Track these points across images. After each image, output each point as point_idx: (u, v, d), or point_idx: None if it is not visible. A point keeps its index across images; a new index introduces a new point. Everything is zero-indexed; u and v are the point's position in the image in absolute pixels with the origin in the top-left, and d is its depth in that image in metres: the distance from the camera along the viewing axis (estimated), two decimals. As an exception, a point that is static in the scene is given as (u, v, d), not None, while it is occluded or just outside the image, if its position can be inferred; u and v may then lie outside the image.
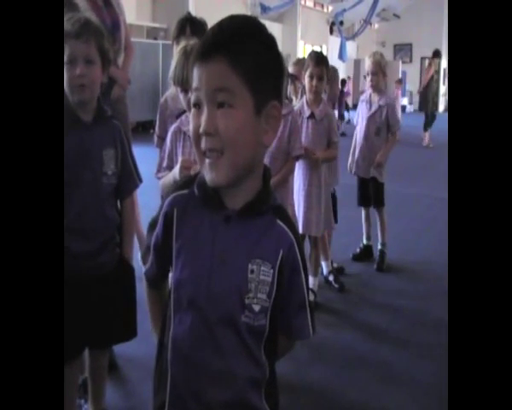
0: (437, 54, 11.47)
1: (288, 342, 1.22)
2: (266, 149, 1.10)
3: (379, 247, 4.18)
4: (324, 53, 3.97)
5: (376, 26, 22.16)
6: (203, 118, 1.00)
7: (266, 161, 2.72)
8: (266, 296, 1.07)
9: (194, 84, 1.02)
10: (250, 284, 1.06)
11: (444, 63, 21.61)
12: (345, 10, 17.01)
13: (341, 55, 16.34)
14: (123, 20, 3.33)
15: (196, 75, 1.01)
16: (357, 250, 4.35)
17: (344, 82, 13.83)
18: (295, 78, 3.74)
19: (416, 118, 13.58)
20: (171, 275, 1.14)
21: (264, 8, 14.94)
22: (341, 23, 17.39)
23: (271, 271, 1.07)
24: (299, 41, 17.72)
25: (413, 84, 20.46)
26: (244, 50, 0.99)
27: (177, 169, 2.01)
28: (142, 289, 1.25)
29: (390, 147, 4.10)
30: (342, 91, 12.95)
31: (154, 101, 10.15)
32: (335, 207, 3.76)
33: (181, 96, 2.16)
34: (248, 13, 13.60)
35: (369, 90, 4.17)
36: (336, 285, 3.69)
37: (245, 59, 0.99)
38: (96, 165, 1.85)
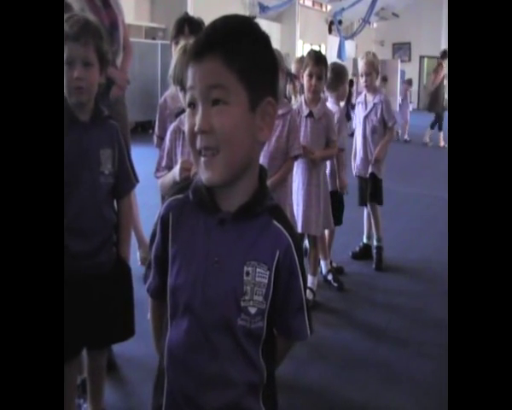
0: (446, 54, 11.51)
1: (287, 343, 1.22)
2: (262, 147, 1.09)
3: (375, 243, 4.18)
4: (323, 52, 3.98)
5: (375, 25, 22.14)
6: (198, 116, 1.00)
7: (265, 160, 2.76)
8: (263, 298, 1.06)
9: (189, 83, 1.02)
10: (246, 287, 1.05)
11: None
12: (343, 9, 17.02)
13: (340, 55, 16.33)
14: (121, 21, 3.33)
15: (190, 74, 1.01)
16: (357, 249, 4.36)
17: (352, 82, 13.75)
18: (294, 77, 3.75)
19: (416, 117, 13.58)
20: None
21: (263, 8, 14.93)
22: (340, 22, 17.39)
23: (267, 272, 1.06)
24: (297, 40, 17.70)
25: (413, 83, 20.43)
26: (238, 48, 0.99)
27: (176, 170, 2.01)
28: (140, 288, 1.25)
29: (387, 142, 4.11)
30: (350, 92, 12.86)
31: (153, 101, 10.14)
32: (342, 209, 3.76)
33: (180, 94, 2.16)
34: (247, 12, 13.59)
35: (363, 91, 4.20)
36: (335, 284, 3.69)
37: (239, 56, 0.99)
38: (93, 165, 1.86)
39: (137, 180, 2.05)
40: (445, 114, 11.26)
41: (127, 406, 2.38)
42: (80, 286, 1.81)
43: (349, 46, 18.66)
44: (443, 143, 11.30)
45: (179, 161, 2.05)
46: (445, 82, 11.18)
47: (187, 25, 2.96)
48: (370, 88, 4.09)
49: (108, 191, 1.92)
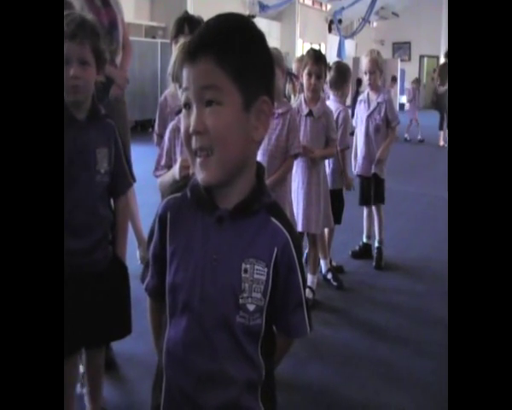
0: None
1: (286, 340, 1.22)
2: (258, 146, 1.09)
3: (376, 244, 4.19)
4: (323, 51, 3.98)
5: (375, 24, 22.15)
6: (192, 117, 1.00)
7: (265, 159, 2.76)
8: (261, 295, 1.06)
9: (184, 84, 1.02)
10: (244, 284, 1.05)
11: (442, 61, 21.63)
12: (343, 8, 17.03)
13: (340, 54, 16.33)
14: (121, 19, 3.33)
15: (185, 75, 1.02)
16: (357, 248, 4.36)
17: (360, 81, 13.69)
18: (293, 76, 3.75)
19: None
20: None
21: (263, 7, 14.93)
22: (340, 21, 17.40)
23: (265, 269, 1.06)
24: (297, 39, 17.70)
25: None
26: (230, 47, 0.99)
27: (176, 168, 2.01)
28: (139, 287, 1.24)
29: (390, 142, 4.12)
30: (358, 91, 12.79)
31: (153, 100, 10.14)
32: (342, 208, 3.77)
33: (179, 92, 2.16)
34: (247, 11, 13.59)
35: (366, 89, 4.18)
36: (335, 283, 3.69)
37: (231, 56, 0.99)
38: (89, 163, 1.86)
39: (134, 179, 2.05)
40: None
41: (127, 404, 2.38)
42: (75, 284, 1.81)
43: (349, 45, 18.68)
44: (442, 142, 11.33)
45: (178, 160, 2.05)
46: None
47: (187, 24, 2.96)
48: (374, 86, 4.08)
49: (104, 190, 1.92)
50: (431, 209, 5.91)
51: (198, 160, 1.02)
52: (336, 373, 2.69)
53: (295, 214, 3.14)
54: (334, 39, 18.16)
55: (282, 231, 1.08)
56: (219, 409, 1.08)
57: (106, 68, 2.80)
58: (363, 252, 4.32)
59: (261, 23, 14.46)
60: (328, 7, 18.80)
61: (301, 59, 3.83)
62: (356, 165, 4.20)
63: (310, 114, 3.30)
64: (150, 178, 2.37)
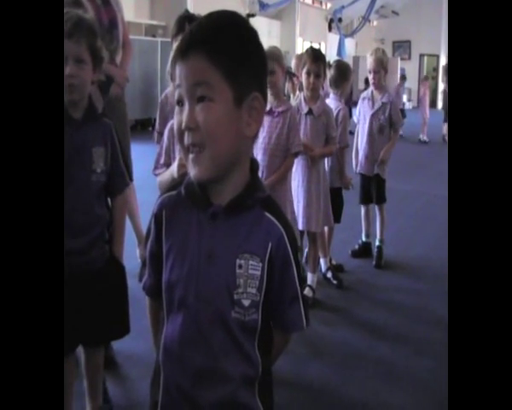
0: None
1: (283, 336, 1.21)
2: (251, 142, 1.10)
3: (377, 243, 4.19)
4: (323, 50, 3.98)
5: (375, 23, 22.14)
6: (184, 113, 1.01)
7: (265, 158, 2.76)
8: (256, 290, 1.07)
9: (176, 81, 1.03)
10: (239, 280, 1.05)
11: (443, 60, 21.62)
12: (343, 7, 17.01)
13: (340, 53, 16.31)
14: (121, 18, 3.33)
15: (177, 72, 1.02)
16: (356, 247, 4.36)
17: (368, 81, 13.63)
18: (293, 74, 3.75)
19: (416, 115, 13.57)
20: None
21: (263, 5, 14.91)
22: (340, 20, 17.38)
23: (260, 264, 1.06)
24: (297, 38, 17.70)
25: (412, 82, 20.43)
26: (221, 44, 1.00)
27: (174, 167, 2.01)
28: (138, 285, 1.24)
29: (393, 144, 4.12)
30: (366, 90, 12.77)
31: (153, 99, 10.14)
32: (341, 208, 3.77)
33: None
34: (246, 10, 13.58)
35: (370, 88, 4.17)
36: (335, 282, 3.69)
37: (223, 53, 1.00)
38: (85, 163, 1.86)
39: (131, 179, 2.05)
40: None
41: (127, 402, 2.38)
42: (71, 283, 1.81)
43: (349, 44, 18.67)
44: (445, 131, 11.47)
45: (177, 159, 2.05)
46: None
47: (187, 22, 2.95)
48: (378, 86, 4.07)
49: (100, 189, 1.92)
50: (431, 208, 5.91)
51: (190, 156, 1.03)
52: (336, 372, 2.69)
53: (295, 213, 3.14)
54: (334, 38, 18.16)
55: (277, 226, 1.09)
56: (216, 405, 1.09)
57: (105, 67, 2.79)
58: (363, 251, 4.32)
59: (261, 22, 14.46)
60: (329, 5, 18.80)
61: (300, 56, 3.83)
62: (357, 163, 4.20)
63: (309, 112, 3.30)
64: (150, 176, 2.37)
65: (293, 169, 3.08)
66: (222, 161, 1.03)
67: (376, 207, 4.21)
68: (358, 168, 4.19)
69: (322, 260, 3.76)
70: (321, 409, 2.43)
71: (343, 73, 3.91)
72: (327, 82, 3.93)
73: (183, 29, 2.90)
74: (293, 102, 3.51)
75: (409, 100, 21.18)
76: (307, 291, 3.35)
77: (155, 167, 2.24)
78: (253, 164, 1.12)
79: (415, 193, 6.72)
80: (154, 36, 12.18)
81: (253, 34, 1.06)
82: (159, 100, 2.86)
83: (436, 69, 22.00)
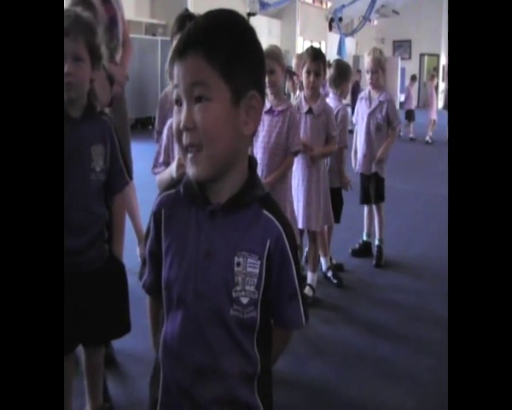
0: None
1: (283, 334, 1.21)
2: (249, 140, 1.10)
3: (376, 243, 4.20)
4: (323, 49, 3.98)
5: (375, 22, 22.13)
6: (182, 113, 1.02)
7: (265, 156, 2.76)
8: (254, 288, 1.07)
9: (174, 81, 1.03)
10: (237, 277, 1.06)
11: (443, 60, 21.62)
12: (344, 6, 16.98)
13: (340, 52, 16.30)
14: (121, 17, 3.34)
15: (175, 72, 1.03)
16: (357, 246, 4.36)
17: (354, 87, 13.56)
18: (293, 73, 3.75)
19: (416, 114, 13.57)
20: None
21: (263, 5, 14.91)
22: (340, 19, 17.36)
23: (258, 262, 1.07)
24: (298, 37, 17.70)
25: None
26: (218, 43, 1.00)
27: (173, 166, 2.00)
28: (139, 284, 1.24)
29: (391, 142, 4.13)
30: None
31: (153, 98, 10.14)
32: (340, 208, 3.77)
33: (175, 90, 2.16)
34: (247, 9, 13.58)
35: (368, 88, 4.18)
36: (335, 281, 3.69)
37: (219, 52, 1.00)
38: (84, 161, 1.86)
39: (131, 177, 2.04)
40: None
41: (127, 401, 2.38)
42: (70, 283, 1.81)
43: (349, 43, 18.66)
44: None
45: (176, 158, 2.04)
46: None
47: (188, 21, 2.95)
48: (376, 85, 4.08)
49: (99, 188, 1.92)
50: (430, 207, 5.91)
51: (188, 155, 1.03)
52: (336, 371, 2.69)
53: (295, 212, 3.14)
54: (334, 37, 18.15)
55: (275, 224, 1.09)
56: (215, 402, 1.09)
57: (105, 65, 2.77)
58: (363, 250, 4.32)
59: (261, 21, 14.47)
60: (329, 5, 18.79)
61: (301, 55, 3.83)
62: (356, 162, 4.20)
63: (310, 111, 3.30)
64: (150, 175, 2.37)
65: (294, 168, 3.08)
66: (220, 161, 1.04)
67: (374, 206, 4.21)
68: (357, 168, 4.20)
69: (322, 260, 3.76)
70: (321, 409, 2.43)
71: (343, 72, 3.91)
72: (327, 82, 3.94)
73: (183, 28, 2.89)
74: (293, 100, 3.51)
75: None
76: (307, 290, 3.35)
77: (154, 166, 2.24)
78: (251, 162, 1.12)
79: (415, 193, 6.72)
80: (154, 34, 12.18)
81: (250, 33, 1.06)
82: (159, 99, 2.85)
83: (436, 69, 22.00)
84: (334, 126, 3.36)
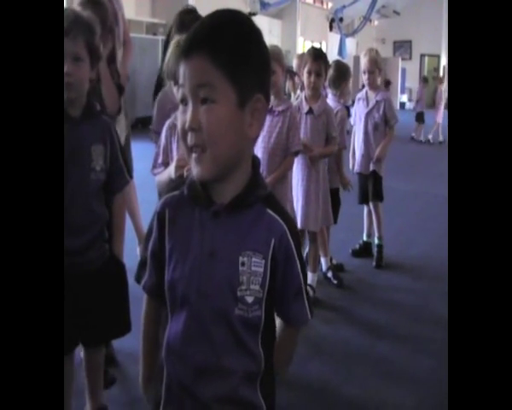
0: None
1: (290, 333, 1.21)
2: (254, 141, 1.10)
3: (376, 241, 4.19)
4: (324, 49, 3.98)
5: (376, 22, 22.13)
6: (188, 114, 1.02)
7: (265, 157, 2.76)
8: (259, 287, 1.07)
9: (180, 80, 1.03)
10: (242, 277, 1.06)
11: (444, 61, 21.61)
12: (344, 7, 16.98)
13: (341, 52, 16.30)
14: (121, 16, 3.34)
15: (181, 72, 1.03)
16: (357, 246, 4.36)
17: (388, 83, 13.48)
18: (294, 73, 3.75)
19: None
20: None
21: (264, 5, 14.91)
22: (341, 20, 17.36)
23: (263, 261, 1.07)
24: (298, 37, 17.69)
25: (413, 82, 20.41)
26: (223, 44, 1.00)
27: (172, 167, 2.00)
28: (137, 284, 1.24)
29: (388, 141, 4.13)
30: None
31: (154, 97, 10.12)
32: (338, 207, 3.77)
33: (174, 89, 2.15)
34: (248, 9, 13.57)
35: (365, 88, 4.20)
36: (335, 281, 3.69)
37: (225, 53, 0.99)
38: (84, 161, 1.86)
39: (131, 177, 2.04)
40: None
41: (127, 400, 2.38)
42: (70, 283, 1.81)
43: (350, 44, 18.66)
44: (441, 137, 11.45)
45: (174, 159, 2.04)
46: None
47: (188, 17, 2.95)
48: (373, 85, 4.09)
49: (99, 188, 1.92)
50: (431, 208, 5.90)
51: (193, 155, 1.04)
52: (336, 371, 2.69)
53: (295, 212, 3.14)
54: (335, 37, 18.15)
55: (279, 222, 1.09)
56: (218, 401, 1.09)
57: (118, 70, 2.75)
58: (364, 250, 4.32)
59: (262, 21, 14.45)
60: (329, 5, 18.78)
61: (302, 56, 3.83)
62: (354, 163, 4.21)
63: (310, 111, 3.29)
64: (150, 175, 2.36)
65: (293, 168, 3.08)
66: (224, 162, 1.04)
67: (371, 205, 4.20)
68: (356, 168, 4.20)
69: (322, 260, 3.76)
70: (321, 408, 2.43)
71: (342, 73, 3.92)
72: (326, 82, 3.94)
73: (183, 25, 2.88)
74: (293, 101, 3.51)
75: (409, 100, 21.19)
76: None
77: (153, 167, 2.23)
78: (255, 161, 1.12)
79: (415, 193, 6.72)
80: (154, 34, 12.18)
81: (256, 34, 1.06)
82: (158, 97, 2.83)
83: (437, 69, 22.00)
84: (334, 127, 3.36)
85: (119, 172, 1.98)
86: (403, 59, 20.78)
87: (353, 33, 19.03)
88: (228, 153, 1.03)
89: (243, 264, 1.06)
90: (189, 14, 2.95)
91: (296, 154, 2.87)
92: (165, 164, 2.16)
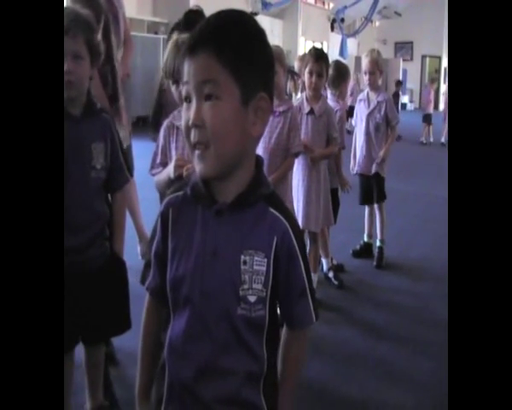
0: None
1: (296, 337, 1.19)
2: (258, 140, 1.10)
3: (378, 244, 4.20)
4: (325, 50, 3.97)
5: (377, 23, 22.14)
6: (191, 111, 1.02)
7: (266, 157, 2.75)
8: (262, 286, 1.07)
9: (184, 78, 1.04)
10: (244, 276, 1.06)
11: (445, 62, 21.61)
12: (346, 7, 16.97)
13: (342, 53, 16.29)
14: (122, 15, 3.33)
15: (185, 69, 1.03)
16: (357, 247, 4.36)
17: (399, 83, 13.44)
18: (295, 74, 3.74)
19: (417, 116, 13.59)
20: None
21: (265, 5, 14.91)
22: (342, 20, 17.35)
23: (265, 260, 1.07)
24: (299, 37, 17.71)
25: (414, 83, 20.45)
26: (229, 42, 1.00)
27: (171, 168, 1.99)
28: (138, 282, 1.24)
29: (391, 142, 4.15)
30: (398, 93, 12.51)
31: (155, 96, 10.13)
32: (337, 208, 3.77)
33: (172, 88, 2.14)
34: (249, 9, 13.58)
35: (366, 89, 4.20)
36: (336, 282, 3.69)
37: (230, 51, 1.00)
38: (84, 159, 1.86)
39: (131, 175, 2.04)
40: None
41: (127, 399, 2.37)
42: (72, 281, 1.81)
43: (351, 44, 18.66)
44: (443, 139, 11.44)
45: (173, 159, 2.03)
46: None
47: (195, 17, 2.95)
48: (374, 86, 4.10)
49: (100, 186, 1.92)
50: (432, 209, 5.91)
51: (196, 152, 1.04)
52: (336, 372, 2.69)
53: (295, 212, 3.14)
54: (336, 38, 18.15)
55: (281, 221, 1.09)
56: (219, 401, 1.09)
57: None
58: (364, 251, 4.32)
59: (263, 21, 14.45)
60: (331, 5, 18.78)
61: (303, 57, 3.83)
62: (355, 164, 4.20)
63: (311, 112, 3.29)
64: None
65: (294, 168, 3.07)
66: (227, 160, 1.04)
67: (376, 207, 4.21)
68: (356, 168, 4.21)
69: (323, 260, 3.76)
70: (321, 409, 2.43)
71: (341, 73, 3.93)
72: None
73: (188, 25, 2.88)
74: (294, 101, 3.50)
75: (410, 101, 21.20)
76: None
77: (152, 167, 2.21)
78: (258, 161, 1.12)
79: (416, 194, 6.73)
80: (156, 33, 12.20)
81: (260, 34, 1.07)
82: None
83: (438, 71, 22.00)
84: (335, 127, 3.36)
85: (120, 170, 1.98)
86: (404, 60, 20.79)
87: (354, 34, 19.03)
88: (231, 150, 1.03)
89: (245, 263, 1.06)
90: (195, 14, 2.95)
91: (297, 155, 2.87)
92: (164, 164, 2.14)
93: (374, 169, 4.12)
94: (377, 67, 4.05)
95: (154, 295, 1.21)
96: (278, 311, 1.15)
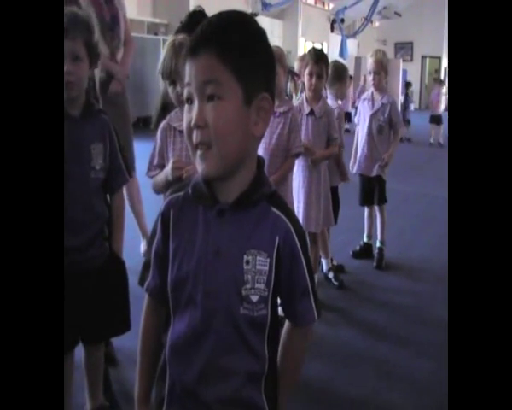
0: None
1: (297, 332, 1.19)
2: (259, 141, 1.10)
3: (378, 245, 4.19)
4: (325, 50, 3.98)
5: (377, 23, 22.15)
6: (194, 111, 1.02)
7: (266, 158, 2.75)
8: (264, 286, 1.07)
9: (186, 79, 1.04)
10: (246, 276, 1.06)
11: (445, 62, 21.60)
12: (346, 8, 16.99)
13: (342, 53, 16.30)
14: (123, 15, 3.34)
15: (187, 70, 1.03)
16: (357, 248, 4.36)
17: (409, 84, 13.37)
18: (295, 74, 3.74)
19: (417, 116, 13.58)
20: None
21: (265, 5, 14.92)
22: (342, 21, 17.37)
23: (268, 259, 1.07)
24: (299, 38, 17.71)
25: (414, 83, 20.38)
26: (231, 43, 1.01)
27: (168, 169, 1.99)
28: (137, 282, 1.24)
29: (395, 145, 4.13)
30: (407, 94, 12.45)
31: (155, 96, 10.14)
32: (337, 208, 3.77)
33: (169, 89, 2.14)
34: (249, 9, 13.58)
35: (370, 89, 4.19)
36: (336, 282, 3.69)
37: (232, 51, 1.00)
38: (83, 159, 1.86)
39: (131, 175, 2.04)
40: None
41: (127, 399, 2.38)
42: (70, 281, 1.80)
43: (351, 45, 18.65)
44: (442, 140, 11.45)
45: (170, 161, 2.03)
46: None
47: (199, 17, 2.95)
48: (378, 87, 4.09)
49: (99, 186, 1.92)
50: (432, 209, 5.91)
51: (198, 153, 1.04)
52: (336, 372, 2.69)
53: (296, 214, 3.14)
54: (336, 38, 18.15)
55: (284, 220, 1.09)
56: (221, 402, 1.09)
57: (107, 64, 2.77)
58: (364, 252, 4.32)
59: (263, 21, 14.45)
60: (331, 6, 18.79)
61: (303, 58, 3.83)
62: (355, 162, 4.20)
63: (311, 113, 3.29)
64: (151, 174, 2.36)
65: (294, 169, 3.07)
66: (229, 160, 1.04)
67: (377, 208, 4.21)
68: (356, 168, 4.20)
69: (323, 261, 3.76)
70: (321, 409, 2.43)
71: (339, 73, 3.94)
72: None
73: (191, 25, 2.87)
74: (295, 102, 3.51)
75: (410, 102, 21.17)
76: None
77: (149, 169, 2.20)
78: (259, 161, 1.12)
79: (416, 194, 6.72)
80: (156, 34, 12.19)
81: (262, 35, 1.07)
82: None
83: (438, 71, 21.99)
84: (335, 128, 3.36)
85: (119, 170, 1.98)
86: (404, 60, 20.75)
87: (354, 34, 19.04)
88: (233, 150, 1.03)
89: (248, 263, 1.06)
90: (199, 15, 2.95)
91: (297, 156, 2.87)
92: (161, 166, 2.13)
93: (376, 172, 4.11)
94: (382, 67, 4.04)
95: (154, 295, 1.20)
96: (279, 310, 1.16)
